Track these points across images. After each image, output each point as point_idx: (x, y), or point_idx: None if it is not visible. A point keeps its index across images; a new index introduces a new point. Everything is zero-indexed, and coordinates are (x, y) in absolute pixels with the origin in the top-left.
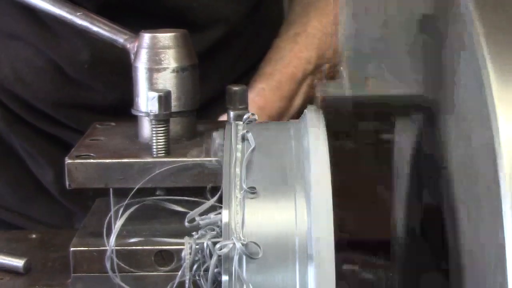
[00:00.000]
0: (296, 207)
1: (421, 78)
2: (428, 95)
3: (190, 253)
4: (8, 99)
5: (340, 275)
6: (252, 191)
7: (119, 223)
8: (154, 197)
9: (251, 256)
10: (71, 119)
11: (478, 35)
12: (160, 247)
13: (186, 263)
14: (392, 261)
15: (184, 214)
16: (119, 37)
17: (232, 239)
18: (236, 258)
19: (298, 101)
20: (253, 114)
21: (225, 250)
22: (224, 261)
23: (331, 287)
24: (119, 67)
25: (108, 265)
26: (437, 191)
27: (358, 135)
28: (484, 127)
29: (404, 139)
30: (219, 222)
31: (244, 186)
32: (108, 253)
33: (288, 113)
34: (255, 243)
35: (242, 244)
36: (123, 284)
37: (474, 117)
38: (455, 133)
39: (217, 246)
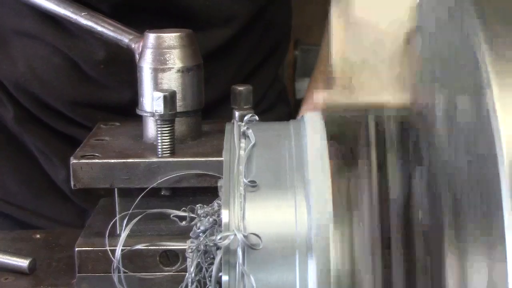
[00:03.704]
0: (296, 199)
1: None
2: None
3: (192, 253)
4: (23, 97)
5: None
6: (252, 184)
7: (123, 235)
8: (157, 209)
9: (252, 247)
10: (86, 118)
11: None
12: (165, 247)
13: (189, 264)
14: None
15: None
16: (124, 37)
17: (233, 230)
18: (239, 249)
19: None
20: (254, 114)
21: (226, 241)
22: (225, 253)
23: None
24: (135, 66)
25: (115, 278)
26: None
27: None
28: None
29: None
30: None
31: (245, 180)
32: (114, 265)
33: None
34: (255, 234)
35: (243, 235)
36: None
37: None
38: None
39: (218, 237)
